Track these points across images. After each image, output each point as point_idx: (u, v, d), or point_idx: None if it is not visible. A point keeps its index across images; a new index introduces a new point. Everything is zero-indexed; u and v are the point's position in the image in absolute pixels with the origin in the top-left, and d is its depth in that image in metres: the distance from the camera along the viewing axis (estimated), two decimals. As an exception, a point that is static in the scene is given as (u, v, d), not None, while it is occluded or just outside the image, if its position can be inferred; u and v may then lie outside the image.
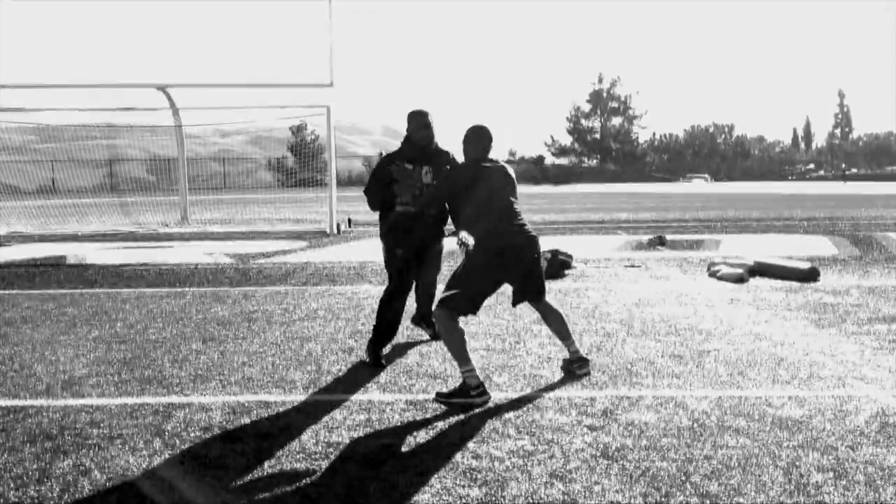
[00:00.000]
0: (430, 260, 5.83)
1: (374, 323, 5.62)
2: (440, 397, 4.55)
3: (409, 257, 5.57)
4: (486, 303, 4.91)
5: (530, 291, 4.99)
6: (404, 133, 5.60)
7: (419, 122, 5.46)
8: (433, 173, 5.43)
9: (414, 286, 5.93)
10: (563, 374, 5.08)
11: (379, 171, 5.56)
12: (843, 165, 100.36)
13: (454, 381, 4.89)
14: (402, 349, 5.88)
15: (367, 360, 5.45)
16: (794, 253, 11.49)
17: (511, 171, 5.08)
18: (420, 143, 5.47)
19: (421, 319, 6.24)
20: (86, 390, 4.92)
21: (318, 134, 44.84)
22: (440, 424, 4.17)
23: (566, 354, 5.24)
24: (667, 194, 44.09)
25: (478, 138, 4.97)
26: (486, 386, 4.76)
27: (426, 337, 6.22)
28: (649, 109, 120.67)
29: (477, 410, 4.38)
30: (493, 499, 3.25)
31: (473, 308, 4.73)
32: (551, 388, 4.82)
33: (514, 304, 5.11)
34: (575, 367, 5.03)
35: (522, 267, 4.84)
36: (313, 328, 6.74)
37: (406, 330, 6.49)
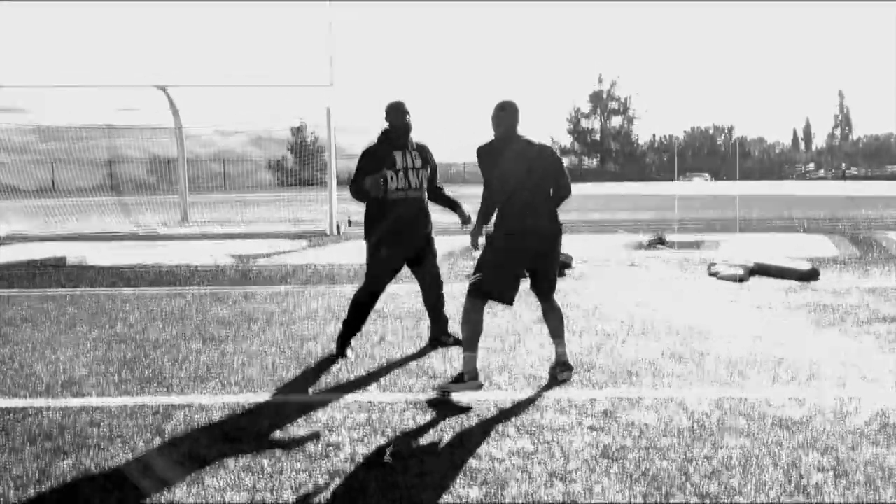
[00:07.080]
0: (428, 256, 5.82)
1: (346, 318, 5.74)
2: (444, 385, 4.71)
3: (392, 255, 5.58)
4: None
5: (541, 284, 5.00)
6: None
7: (400, 111, 5.63)
8: (421, 158, 5.66)
9: (421, 287, 5.92)
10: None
11: (380, 154, 5.54)
12: (843, 166, 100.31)
13: (454, 381, 4.89)
14: (402, 349, 5.88)
15: (335, 351, 5.68)
16: (794, 253, 11.49)
17: (551, 150, 4.89)
18: (406, 130, 5.62)
19: (439, 333, 5.98)
20: (86, 390, 4.92)
21: (318, 134, 44.86)
22: (440, 424, 4.17)
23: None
24: (667, 195, 44.03)
25: (510, 113, 4.80)
26: (486, 386, 4.77)
27: (426, 337, 6.21)
28: (649, 110, 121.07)
29: (477, 410, 4.39)
30: (493, 499, 3.25)
31: (500, 294, 4.78)
32: (551, 388, 4.82)
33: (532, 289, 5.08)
34: (557, 371, 5.00)
35: (540, 257, 4.87)
36: (313, 328, 6.74)
37: (406, 330, 6.49)
